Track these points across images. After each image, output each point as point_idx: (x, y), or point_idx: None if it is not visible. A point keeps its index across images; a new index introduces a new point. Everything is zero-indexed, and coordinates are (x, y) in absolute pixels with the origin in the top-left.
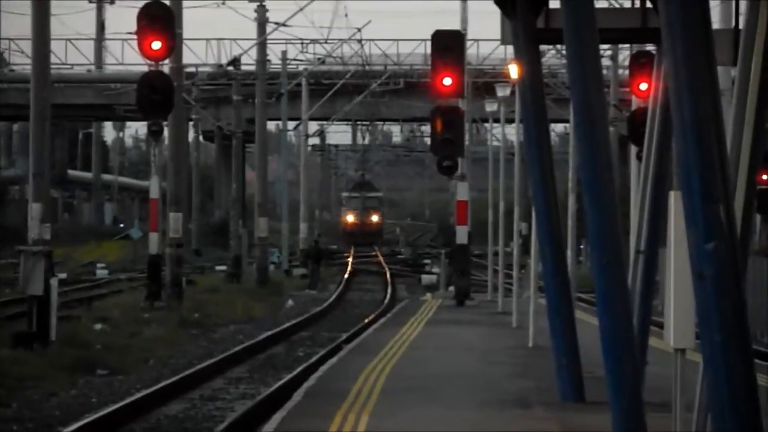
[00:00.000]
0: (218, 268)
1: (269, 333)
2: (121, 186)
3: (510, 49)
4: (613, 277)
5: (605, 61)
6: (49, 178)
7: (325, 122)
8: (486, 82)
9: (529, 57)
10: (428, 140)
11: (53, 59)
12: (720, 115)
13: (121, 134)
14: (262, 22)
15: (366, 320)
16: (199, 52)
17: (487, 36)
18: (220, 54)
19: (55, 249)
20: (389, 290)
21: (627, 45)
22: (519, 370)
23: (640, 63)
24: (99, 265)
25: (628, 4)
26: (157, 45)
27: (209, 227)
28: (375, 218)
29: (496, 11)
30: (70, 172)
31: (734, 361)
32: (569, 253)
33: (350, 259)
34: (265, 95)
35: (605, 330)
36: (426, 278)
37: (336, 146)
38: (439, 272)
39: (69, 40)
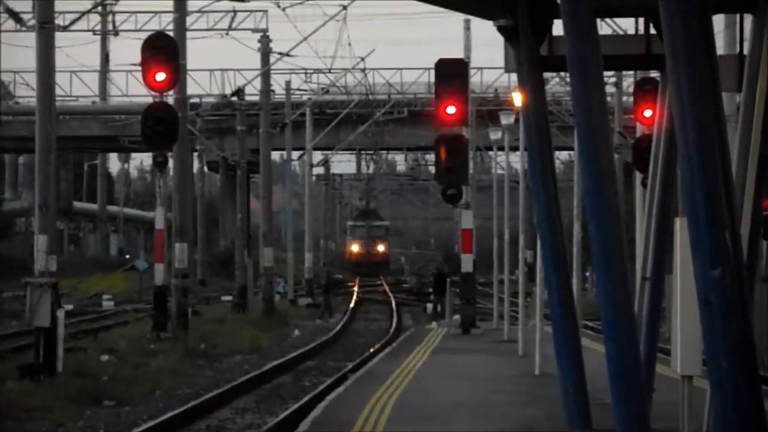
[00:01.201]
0: (224, 298)
1: (275, 363)
2: (126, 217)
3: (514, 76)
4: (619, 304)
5: (609, 88)
6: (54, 210)
7: (329, 152)
8: (490, 110)
9: (533, 84)
10: (432, 169)
11: (58, 91)
12: (725, 141)
13: (126, 165)
14: (265, 52)
15: (372, 349)
16: (203, 83)
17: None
18: (224, 84)
19: (61, 281)
20: (395, 319)
21: (631, 72)
22: (525, 398)
23: (644, 90)
24: (105, 296)
25: (632, 31)
26: (161, 76)
27: (214, 257)
28: (381, 248)
29: (500, 39)
30: (76, 203)
31: (742, 388)
32: (575, 280)
33: (356, 288)
34: (269, 125)
35: (612, 357)
36: (431, 307)
37: (340, 175)
38: (444, 301)
39: (74, 72)
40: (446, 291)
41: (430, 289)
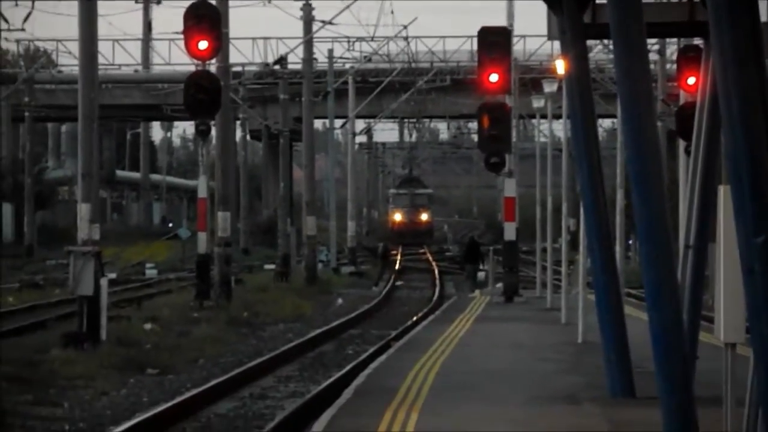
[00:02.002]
0: (267, 266)
1: (318, 331)
2: (169, 186)
3: (557, 44)
4: (662, 272)
5: (653, 56)
6: (97, 179)
7: (372, 120)
8: (533, 78)
9: (576, 52)
10: (475, 137)
11: (101, 60)
12: None
13: (168, 134)
14: (308, 20)
15: (415, 317)
16: (245, 52)
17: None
18: (266, 53)
19: (104, 249)
20: (437, 287)
21: (675, 39)
22: (568, 366)
23: (687, 57)
24: (148, 265)
25: None
26: (203, 44)
27: (257, 226)
28: (424, 216)
29: (543, 7)
30: (119, 172)
31: None
32: (618, 248)
33: (398, 257)
34: (311, 94)
35: (655, 325)
36: (467, 276)
37: (383, 144)
38: (487, 269)
39: (116, 40)
40: (479, 260)
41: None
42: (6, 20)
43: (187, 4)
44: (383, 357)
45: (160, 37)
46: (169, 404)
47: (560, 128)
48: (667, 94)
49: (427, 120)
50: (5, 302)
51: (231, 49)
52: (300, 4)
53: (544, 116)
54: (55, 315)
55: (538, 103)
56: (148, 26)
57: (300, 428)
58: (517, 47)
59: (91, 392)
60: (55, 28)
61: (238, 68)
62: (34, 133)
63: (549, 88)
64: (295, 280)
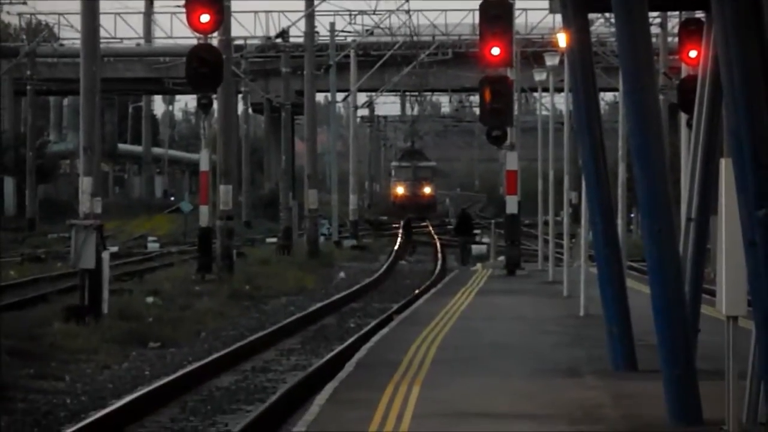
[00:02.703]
0: (268, 240)
1: (320, 304)
2: (171, 159)
3: (558, 17)
4: (664, 246)
5: (654, 29)
6: (99, 152)
7: (373, 93)
8: (535, 52)
9: (578, 26)
10: (477, 110)
11: (102, 33)
12: None
13: (170, 107)
14: None
15: (416, 291)
16: (247, 25)
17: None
18: (268, 26)
19: (106, 223)
20: (439, 261)
21: (676, 12)
22: (570, 339)
23: (689, 30)
24: (150, 238)
25: None
26: (205, 18)
27: (259, 199)
28: (427, 190)
29: None
30: (121, 145)
31: None
32: (620, 221)
33: (400, 230)
34: (313, 67)
35: (657, 298)
36: (476, 248)
37: (385, 117)
38: (489, 242)
39: (118, 13)
40: (471, 232)
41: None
42: None
43: None
44: (385, 330)
45: (162, 10)
46: (171, 377)
47: (562, 101)
48: (668, 68)
49: (428, 93)
50: (7, 276)
51: (233, 22)
52: None
53: (546, 89)
54: (57, 288)
55: (539, 76)
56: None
57: (303, 401)
58: (519, 20)
59: (92, 366)
60: (57, 2)
61: (240, 42)
62: (36, 107)
63: (551, 61)
64: (297, 254)
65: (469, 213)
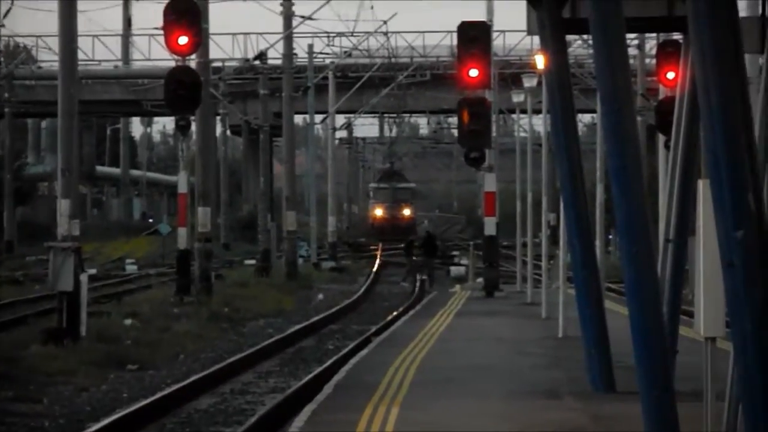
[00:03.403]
0: (247, 262)
1: (299, 326)
2: (149, 181)
3: (536, 39)
4: (642, 267)
5: (632, 51)
6: (77, 174)
7: (352, 115)
8: (513, 73)
9: (556, 47)
10: (455, 132)
11: (80, 55)
12: (747, 103)
13: (148, 129)
14: (288, 15)
15: (395, 312)
16: (225, 47)
17: (513, 27)
18: (246, 48)
19: (84, 245)
20: (417, 282)
21: (654, 34)
22: (549, 360)
23: (666, 52)
24: (128, 260)
25: None
26: (183, 40)
27: (238, 221)
28: (407, 212)
29: (522, 2)
30: (99, 168)
31: (766, 350)
32: (598, 243)
33: (378, 252)
34: (291, 89)
35: (635, 319)
36: (455, 270)
37: (363, 139)
38: (467, 264)
39: (96, 36)
40: (435, 254)
41: (408, 252)
42: None
43: None
44: (364, 352)
45: (140, 32)
46: (150, 400)
47: (540, 123)
48: (646, 89)
49: (407, 115)
50: None
51: (211, 44)
52: None
53: (524, 111)
54: (35, 311)
55: (518, 98)
56: (128, 22)
57: (281, 423)
58: (497, 42)
59: (71, 388)
60: (34, 24)
61: (219, 64)
62: (14, 129)
63: (529, 83)
64: (276, 276)
65: (434, 234)
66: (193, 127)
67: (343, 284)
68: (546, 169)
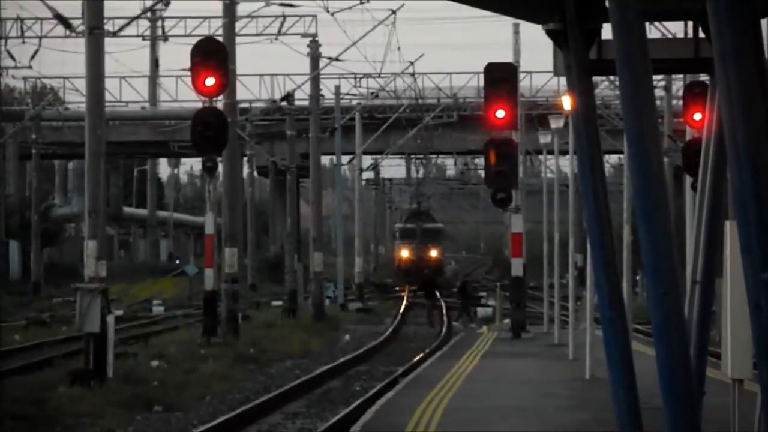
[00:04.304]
0: (274, 303)
1: (326, 367)
2: (176, 222)
3: (563, 80)
4: (669, 308)
5: (659, 92)
6: (104, 215)
7: (379, 156)
8: (539, 114)
9: (582, 88)
10: (482, 173)
11: (108, 97)
12: None
13: (175, 170)
14: (315, 56)
15: (422, 354)
16: (252, 88)
17: (540, 68)
18: (273, 89)
19: (111, 286)
20: (445, 323)
21: (681, 75)
22: (576, 402)
23: (693, 93)
24: (155, 301)
25: (680, 35)
26: (210, 81)
27: (265, 262)
28: (434, 253)
29: (549, 43)
30: (126, 209)
31: None
32: (625, 284)
33: (405, 293)
34: (318, 130)
35: (662, 361)
36: (482, 311)
37: (390, 180)
38: (494, 305)
39: (123, 77)
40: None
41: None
42: (13, 57)
43: (194, 40)
44: (390, 393)
45: (167, 73)
46: None
47: (567, 164)
48: (673, 130)
49: (434, 156)
50: (12, 340)
51: (238, 85)
52: (307, 40)
53: (550, 152)
54: (62, 352)
55: (544, 138)
56: (155, 63)
57: None
58: (524, 83)
59: (97, 430)
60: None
61: (245, 104)
62: (41, 171)
63: (555, 124)
64: (303, 317)
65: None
66: (220, 168)
67: (369, 325)
68: (573, 210)
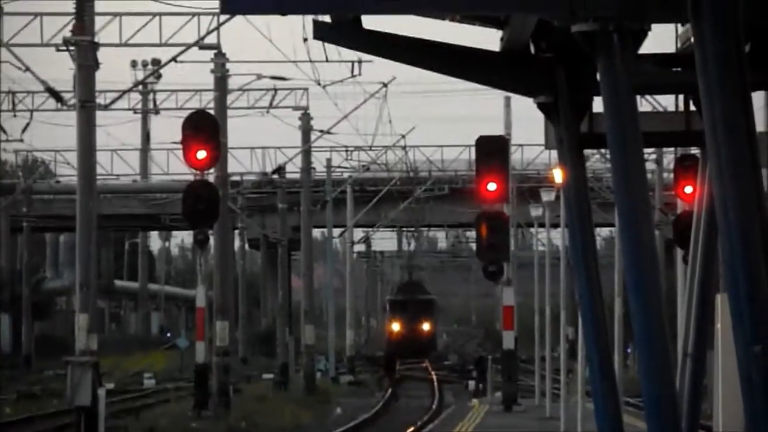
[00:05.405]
0: (265, 376)
1: None
2: (167, 295)
3: (554, 153)
4: (660, 381)
5: (650, 165)
6: (95, 288)
7: (370, 229)
8: (531, 187)
9: (574, 161)
10: (474, 245)
11: (99, 170)
12: (765, 218)
13: (167, 243)
14: (306, 129)
15: (413, 428)
16: (244, 161)
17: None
18: (264, 162)
19: (102, 359)
20: (436, 396)
21: (672, 148)
22: None
23: (684, 166)
24: (146, 374)
25: (671, 108)
26: (202, 154)
27: (256, 335)
28: (426, 326)
29: (540, 116)
30: (117, 282)
31: None
32: (616, 357)
33: (396, 366)
34: (310, 203)
35: None
36: (473, 384)
37: (381, 253)
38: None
39: (115, 150)
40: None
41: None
42: (4, 131)
43: (186, 113)
44: None
45: (158, 146)
46: None
47: (558, 237)
48: (664, 203)
49: (425, 229)
50: (2, 413)
51: (229, 158)
52: (298, 113)
53: (542, 225)
54: (53, 426)
55: (536, 211)
56: (146, 136)
57: None
58: (515, 156)
59: None
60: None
61: (237, 177)
62: (32, 244)
63: (547, 197)
64: (294, 390)
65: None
66: (212, 241)
67: (361, 398)
68: (564, 283)
